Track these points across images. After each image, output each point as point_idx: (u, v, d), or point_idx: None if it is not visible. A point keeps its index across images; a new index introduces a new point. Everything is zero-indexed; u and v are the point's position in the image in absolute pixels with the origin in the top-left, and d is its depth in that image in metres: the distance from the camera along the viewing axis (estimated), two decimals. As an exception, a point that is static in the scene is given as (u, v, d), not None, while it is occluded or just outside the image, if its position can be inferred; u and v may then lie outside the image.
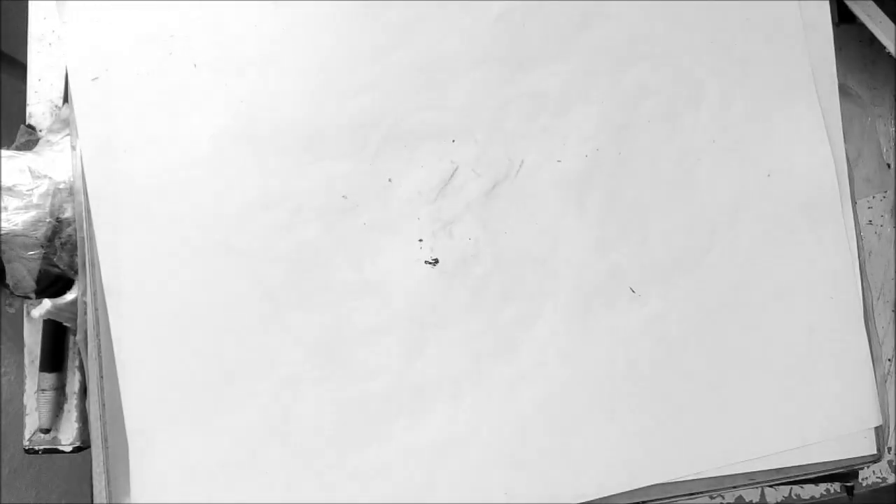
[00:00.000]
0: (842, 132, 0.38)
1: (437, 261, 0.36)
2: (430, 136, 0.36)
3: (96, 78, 0.36)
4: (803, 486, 0.40)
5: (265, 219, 0.35)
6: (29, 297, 0.38)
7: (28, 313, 0.39)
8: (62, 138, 0.38)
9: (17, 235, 0.36)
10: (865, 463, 0.36)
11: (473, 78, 0.36)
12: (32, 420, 0.39)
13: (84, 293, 0.35)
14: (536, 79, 0.37)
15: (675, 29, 0.37)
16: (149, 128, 0.36)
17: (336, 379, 0.35)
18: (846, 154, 0.38)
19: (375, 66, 0.36)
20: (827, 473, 0.36)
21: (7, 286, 0.38)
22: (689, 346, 0.36)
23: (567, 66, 0.37)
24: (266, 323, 0.35)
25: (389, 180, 0.36)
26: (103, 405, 0.34)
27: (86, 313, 0.35)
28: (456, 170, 0.36)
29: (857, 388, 0.36)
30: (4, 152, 0.37)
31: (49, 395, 0.38)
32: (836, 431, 0.35)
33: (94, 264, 0.35)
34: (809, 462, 0.36)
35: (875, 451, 0.36)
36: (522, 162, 0.36)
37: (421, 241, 0.36)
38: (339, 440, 0.34)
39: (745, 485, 0.36)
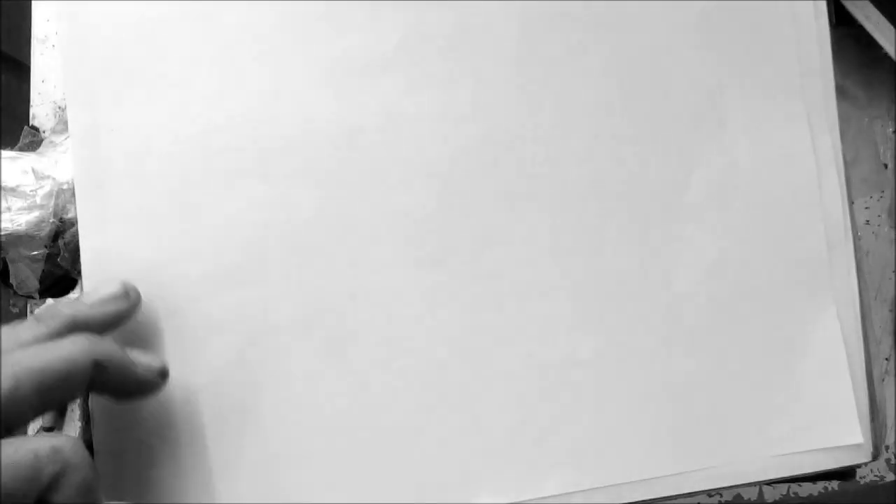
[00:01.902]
0: (839, 133, 0.38)
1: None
2: None
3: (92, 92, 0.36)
4: (801, 483, 0.40)
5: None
6: (32, 297, 0.38)
7: (32, 313, 0.40)
8: (65, 139, 0.38)
9: (21, 236, 0.37)
10: (861, 463, 0.37)
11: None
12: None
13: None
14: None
15: (672, 31, 0.37)
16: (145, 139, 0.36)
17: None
18: (843, 154, 0.38)
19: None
20: (824, 472, 0.36)
21: (11, 286, 0.38)
22: (673, 346, 0.36)
23: (563, 69, 0.37)
24: (267, 315, 0.35)
25: None
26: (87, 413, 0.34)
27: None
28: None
29: (838, 402, 0.36)
30: (8, 153, 0.38)
31: (52, 394, 0.39)
32: (823, 443, 0.35)
33: (97, 264, 0.35)
34: (799, 473, 0.36)
35: (868, 459, 0.36)
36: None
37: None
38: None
39: (743, 483, 0.36)
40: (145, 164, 0.35)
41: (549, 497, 0.35)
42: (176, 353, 0.34)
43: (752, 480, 0.36)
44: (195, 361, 0.34)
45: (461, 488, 0.35)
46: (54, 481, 0.25)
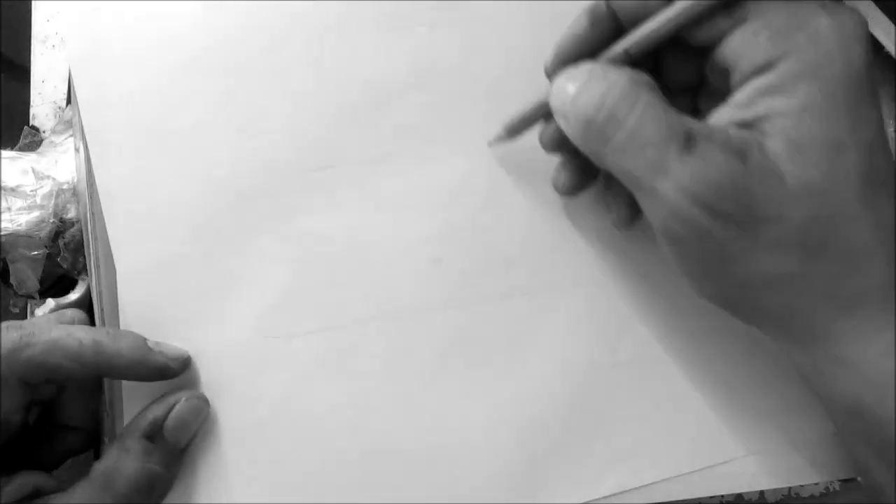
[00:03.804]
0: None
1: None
2: None
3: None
4: (803, 484, 0.40)
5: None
6: (33, 297, 0.38)
7: (32, 313, 0.40)
8: (65, 139, 0.38)
9: (21, 236, 0.37)
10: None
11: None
12: (36, 419, 0.39)
13: (88, 293, 0.36)
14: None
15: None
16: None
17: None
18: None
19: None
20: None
21: (11, 286, 0.38)
22: (669, 347, 0.36)
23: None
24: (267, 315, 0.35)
25: None
26: (108, 403, 0.34)
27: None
28: None
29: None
30: (8, 153, 0.38)
31: (53, 394, 0.39)
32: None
33: (99, 265, 0.35)
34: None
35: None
36: None
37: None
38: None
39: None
40: (178, 211, 0.35)
41: (604, 498, 0.35)
42: (225, 393, 0.34)
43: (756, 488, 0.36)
44: (245, 401, 0.34)
45: (518, 489, 0.34)
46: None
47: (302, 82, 0.36)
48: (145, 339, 0.31)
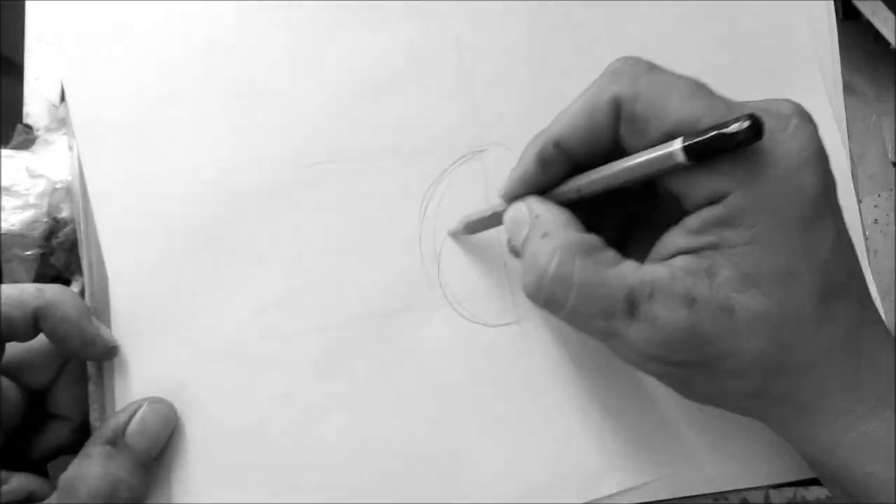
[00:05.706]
0: (846, 130, 0.37)
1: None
2: None
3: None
4: (808, 487, 0.40)
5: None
6: (26, 298, 0.38)
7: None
8: (59, 137, 0.38)
9: (15, 235, 0.36)
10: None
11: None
12: (30, 421, 0.39)
13: (82, 293, 0.35)
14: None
15: (678, 30, 0.37)
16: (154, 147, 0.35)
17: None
18: (850, 152, 0.38)
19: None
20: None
21: (4, 286, 0.38)
22: None
23: (573, 66, 0.37)
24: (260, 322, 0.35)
25: None
26: (101, 405, 0.34)
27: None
28: None
29: None
30: (2, 152, 0.37)
31: (46, 396, 0.38)
32: None
33: (92, 265, 0.35)
34: (806, 476, 0.36)
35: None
36: None
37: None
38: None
39: (749, 487, 0.36)
40: (171, 211, 0.35)
41: (604, 498, 0.34)
42: (220, 394, 0.34)
43: (759, 484, 0.36)
44: (241, 400, 0.34)
45: (518, 489, 0.34)
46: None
47: (294, 79, 0.36)
48: (91, 311, 0.32)
